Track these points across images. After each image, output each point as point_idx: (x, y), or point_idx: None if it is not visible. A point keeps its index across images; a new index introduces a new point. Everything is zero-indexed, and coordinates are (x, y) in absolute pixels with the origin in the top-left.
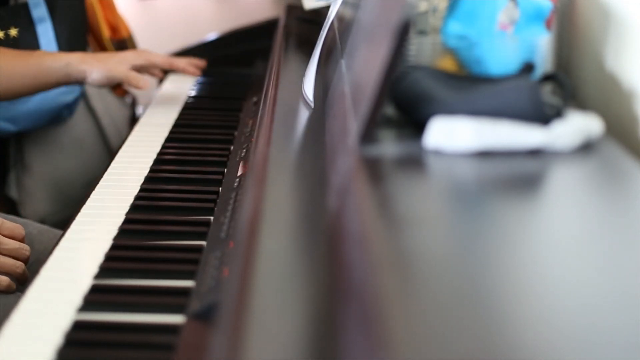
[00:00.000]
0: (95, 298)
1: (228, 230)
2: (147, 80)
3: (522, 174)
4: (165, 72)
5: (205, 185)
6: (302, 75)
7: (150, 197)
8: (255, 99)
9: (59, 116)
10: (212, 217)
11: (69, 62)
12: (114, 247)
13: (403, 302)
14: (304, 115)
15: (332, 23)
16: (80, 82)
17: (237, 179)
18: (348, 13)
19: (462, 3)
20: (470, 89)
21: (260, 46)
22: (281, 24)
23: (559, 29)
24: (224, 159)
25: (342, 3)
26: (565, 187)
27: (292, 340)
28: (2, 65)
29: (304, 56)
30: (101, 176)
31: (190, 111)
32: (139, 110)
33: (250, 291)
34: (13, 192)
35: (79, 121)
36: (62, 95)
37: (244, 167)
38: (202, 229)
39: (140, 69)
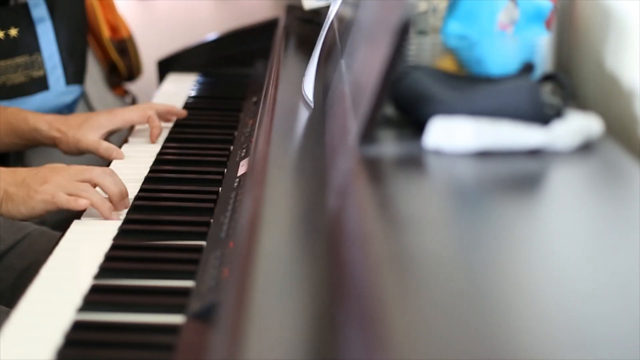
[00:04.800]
0: (95, 298)
1: (228, 230)
2: (121, 152)
3: (522, 174)
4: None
5: (205, 185)
6: (302, 75)
7: (150, 197)
8: (255, 99)
9: None
10: (212, 217)
11: (36, 128)
12: (114, 247)
13: (403, 302)
14: (304, 115)
15: (332, 23)
16: (50, 145)
17: (237, 179)
18: (348, 13)
19: (462, 3)
20: (470, 89)
21: (260, 46)
22: (281, 24)
23: (559, 29)
24: (224, 159)
25: (342, 3)
26: (565, 187)
27: (292, 340)
28: None
29: (304, 56)
30: None
31: (190, 111)
32: None
33: (250, 291)
34: None
35: None
36: (62, 95)
37: (245, 166)
38: (202, 229)
39: (117, 131)
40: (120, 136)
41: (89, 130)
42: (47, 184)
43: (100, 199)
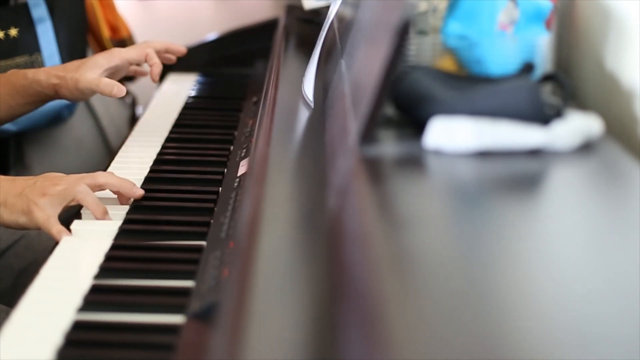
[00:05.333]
0: (95, 298)
1: (228, 230)
2: (122, 88)
3: (522, 174)
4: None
5: (205, 185)
6: (302, 75)
7: (150, 197)
8: (255, 99)
9: (59, 116)
10: (212, 217)
11: (35, 80)
12: (114, 247)
13: (403, 302)
14: (304, 115)
15: (332, 23)
16: (53, 97)
17: (237, 179)
18: (348, 13)
19: (462, 3)
20: (470, 89)
21: (260, 46)
22: (281, 24)
23: (559, 29)
24: (224, 159)
25: (342, 3)
26: (565, 187)
27: (292, 340)
28: None
29: (304, 56)
30: None
31: (190, 111)
32: (139, 110)
33: (250, 291)
34: None
35: (79, 121)
36: None
37: (245, 166)
38: (202, 229)
39: (118, 70)
40: (120, 135)
41: (87, 70)
42: (47, 197)
43: (95, 202)
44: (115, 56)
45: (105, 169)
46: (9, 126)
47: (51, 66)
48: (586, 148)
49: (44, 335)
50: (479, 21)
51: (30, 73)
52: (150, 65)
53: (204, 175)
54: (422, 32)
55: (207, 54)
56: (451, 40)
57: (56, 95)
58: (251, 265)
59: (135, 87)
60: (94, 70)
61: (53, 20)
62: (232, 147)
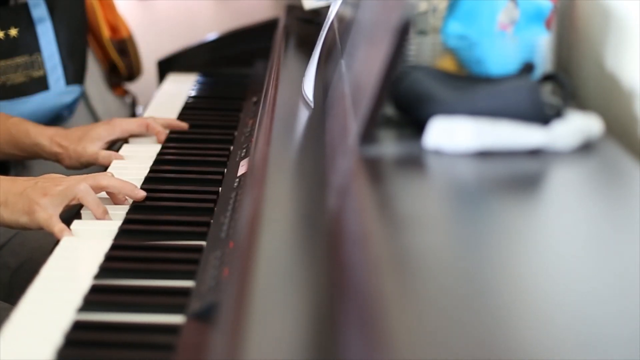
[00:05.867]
0: (95, 298)
1: (228, 230)
2: (120, 155)
3: (522, 174)
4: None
5: (205, 185)
6: (302, 75)
7: (150, 197)
8: (255, 99)
9: (59, 116)
10: (212, 217)
11: (37, 143)
12: (114, 247)
13: (403, 302)
14: (304, 115)
15: (332, 23)
16: (52, 160)
17: (237, 179)
18: (348, 13)
19: (462, 3)
20: (470, 89)
21: (260, 46)
22: (281, 24)
23: (559, 29)
24: (224, 159)
25: (342, 3)
26: (565, 187)
27: (292, 340)
28: None
29: (304, 56)
30: None
31: (190, 111)
32: (139, 110)
33: (250, 291)
34: None
35: (79, 121)
36: (62, 95)
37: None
38: (202, 229)
39: (117, 141)
40: None
41: (88, 143)
42: (48, 197)
43: (95, 202)
44: (117, 129)
45: (105, 169)
46: None
47: (54, 130)
48: (586, 148)
49: (44, 335)
50: (479, 21)
51: (33, 132)
52: (156, 134)
53: (204, 175)
54: (422, 32)
55: (207, 54)
56: (451, 40)
57: (55, 161)
58: (251, 265)
59: (136, 87)
60: (95, 144)
61: (53, 20)
62: (232, 147)
